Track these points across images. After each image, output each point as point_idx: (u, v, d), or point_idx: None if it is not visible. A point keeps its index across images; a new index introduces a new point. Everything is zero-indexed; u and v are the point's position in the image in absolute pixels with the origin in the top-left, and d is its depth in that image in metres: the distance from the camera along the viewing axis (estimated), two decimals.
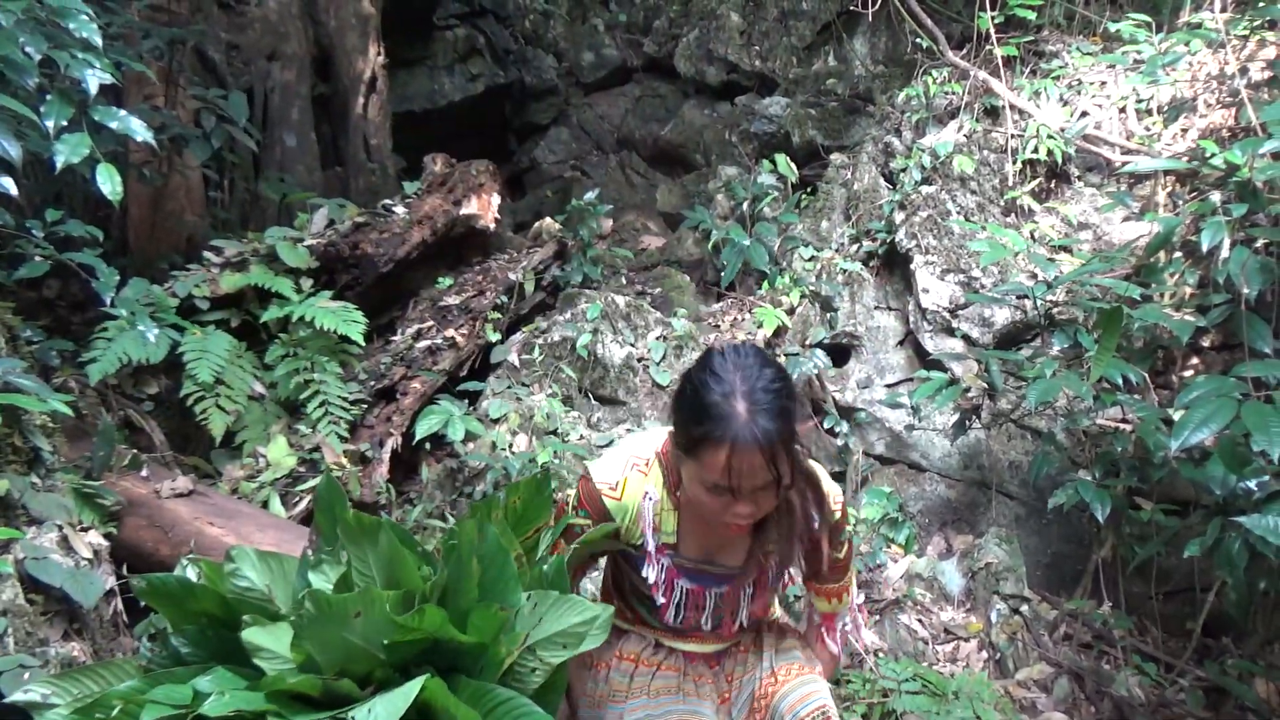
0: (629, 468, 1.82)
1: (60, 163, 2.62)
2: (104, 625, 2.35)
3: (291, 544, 2.68)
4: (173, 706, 1.43)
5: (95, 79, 2.69)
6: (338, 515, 1.75)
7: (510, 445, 3.83)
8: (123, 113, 2.87)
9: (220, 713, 1.39)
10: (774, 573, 1.87)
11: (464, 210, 4.62)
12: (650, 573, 1.82)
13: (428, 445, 3.84)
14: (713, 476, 1.60)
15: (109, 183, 2.72)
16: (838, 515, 1.87)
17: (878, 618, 3.49)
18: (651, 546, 1.81)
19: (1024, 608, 3.44)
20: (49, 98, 2.66)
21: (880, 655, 3.27)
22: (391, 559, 1.62)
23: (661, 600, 1.85)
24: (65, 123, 2.66)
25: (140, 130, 2.85)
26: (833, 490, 1.86)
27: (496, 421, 3.96)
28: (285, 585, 1.74)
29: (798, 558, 1.85)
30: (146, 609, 2.51)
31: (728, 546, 1.84)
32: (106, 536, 2.62)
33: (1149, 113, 4.22)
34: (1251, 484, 2.58)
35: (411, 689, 1.44)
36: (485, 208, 4.72)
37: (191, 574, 1.75)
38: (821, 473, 1.85)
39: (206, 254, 3.96)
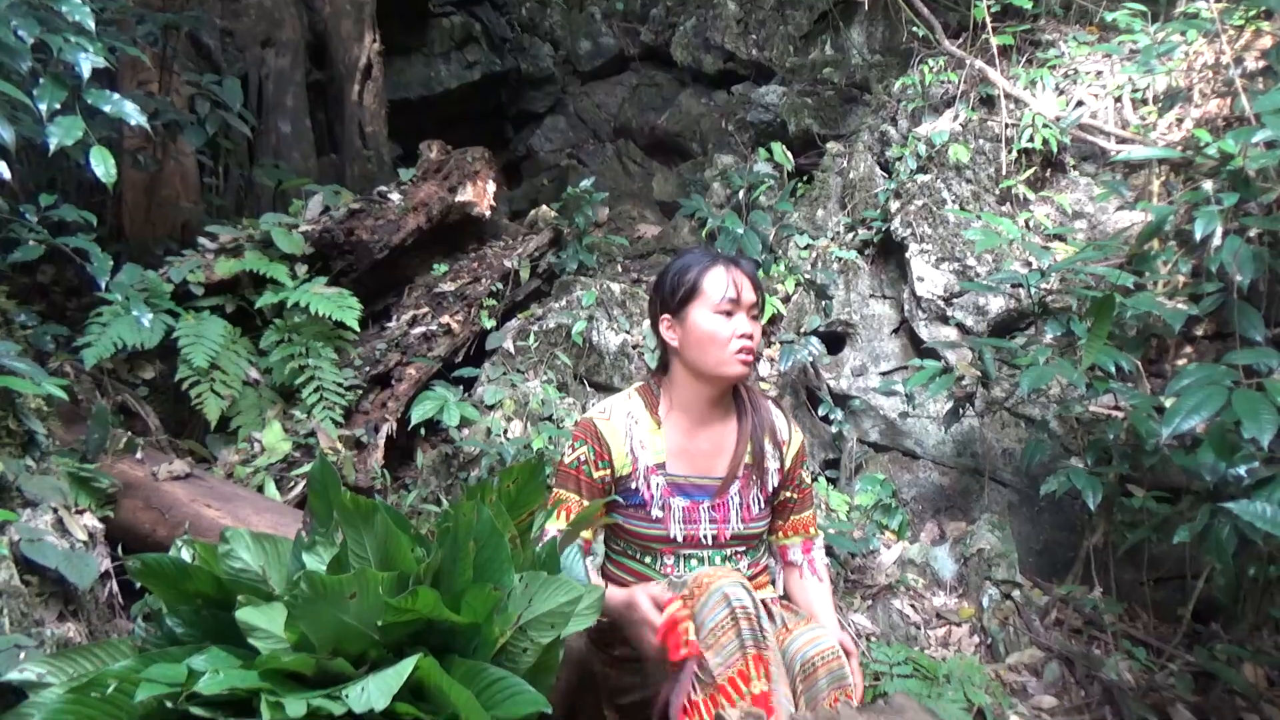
0: (614, 401, 2.10)
1: (53, 145, 2.62)
2: (99, 607, 2.36)
3: (289, 527, 2.69)
4: (167, 685, 1.44)
5: (88, 63, 2.68)
6: (332, 498, 1.76)
7: (505, 431, 3.85)
8: (116, 96, 2.86)
9: (214, 691, 1.40)
10: (754, 482, 2.06)
11: (460, 197, 4.61)
12: (643, 490, 2.00)
13: (423, 431, 3.85)
14: (718, 294, 1.95)
15: (103, 166, 2.71)
16: (799, 441, 2.15)
17: (870, 603, 3.51)
18: (642, 464, 2.00)
19: (1015, 593, 3.46)
20: (42, 81, 2.66)
21: (872, 639, 3.29)
22: (386, 540, 1.63)
23: (659, 514, 2.00)
24: (58, 106, 2.66)
25: (134, 114, 2.85)
26: (783, 418, 2.16)
27: (492, 408, 3.97)
28: (279, 567, 1.75)
29: (773, 474, 2.08)
30: (141, 592, 2.52)
31: (712, 460, 2.03)
32: (103, 520, 2.63)
33: (1144, 102, 4.23)
34: (1241, 471, 2.60)
35: (405, 667, 1.45)
36: (481, 195, 4.72)
37: (186, 555, 1.76)
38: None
39: (201, 240, 3.96)
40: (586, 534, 2.02)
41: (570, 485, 2.01)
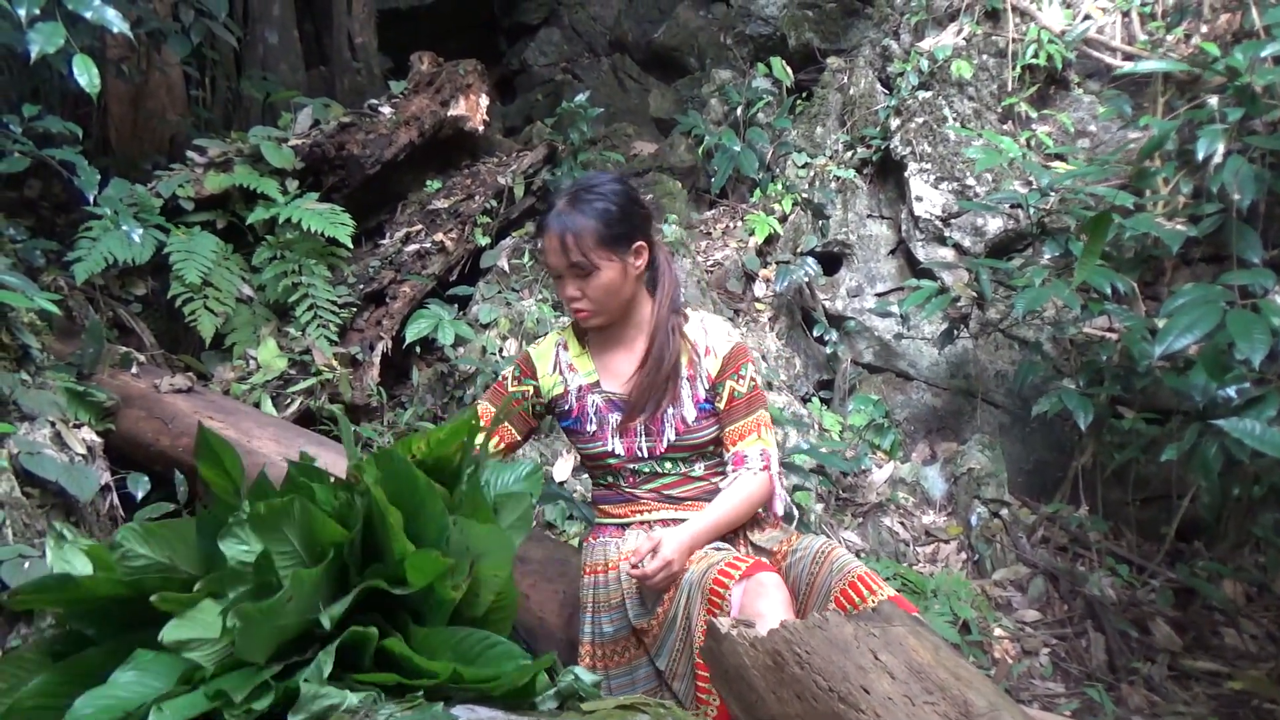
0: (550, 334, 2.22)
1: (34, 53, 2.55)
2: (101, 519, 2.39)
3: (290, 441, 2.70)
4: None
5: None
6: (250, 508, 1.49)
7: (500, 350, 3.85)
8: (98, 2, 2.76)
9: None
10: (683, 393, 2.05)
11: (452, 111, 4.52)
12: (574, 408, 2.07)
13: (418, 349, 3.85)
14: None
15: (85, 75, 2.64)
16: (731, 345, 2.07)
17: (861, 520, 3.58)
18: (573, 385, 2.08)
19: (1004, 512, 3.52)
20: None
21: (862, 555, 3.35)
22: (308, 525, 1.46)
23: (594, 429, 2.05)
24: (38, 12, 2.58)
25: (116, 21, 2.76)
26: (722, 327, 2.12)
27: (487, 326, 3.96)
28: (187, 549, 1.53)
29: (702, 379, 2.06)
30: (144, 501, 2.55)
31: (632, 380, 2.05)
32: (102, 434, 2.64)
33: (1153, 17, 4.13)
34: (1232, 391, 2.62)
35: (363, 635, 1.37)
36: (474, 109, 4.62)
37: (72, 556, 1.54)
38: (709, 317, 2.14)
39: (190, 154, 3.89)
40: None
41: (490, 397, 2.17)
